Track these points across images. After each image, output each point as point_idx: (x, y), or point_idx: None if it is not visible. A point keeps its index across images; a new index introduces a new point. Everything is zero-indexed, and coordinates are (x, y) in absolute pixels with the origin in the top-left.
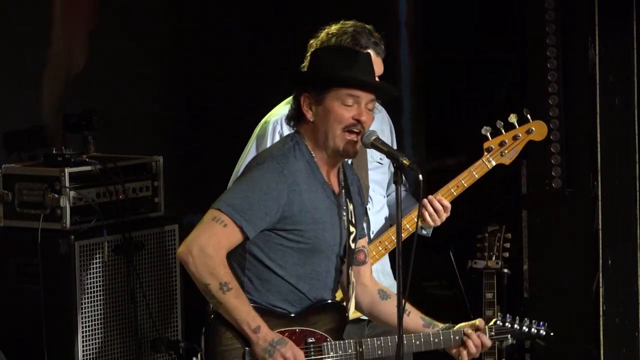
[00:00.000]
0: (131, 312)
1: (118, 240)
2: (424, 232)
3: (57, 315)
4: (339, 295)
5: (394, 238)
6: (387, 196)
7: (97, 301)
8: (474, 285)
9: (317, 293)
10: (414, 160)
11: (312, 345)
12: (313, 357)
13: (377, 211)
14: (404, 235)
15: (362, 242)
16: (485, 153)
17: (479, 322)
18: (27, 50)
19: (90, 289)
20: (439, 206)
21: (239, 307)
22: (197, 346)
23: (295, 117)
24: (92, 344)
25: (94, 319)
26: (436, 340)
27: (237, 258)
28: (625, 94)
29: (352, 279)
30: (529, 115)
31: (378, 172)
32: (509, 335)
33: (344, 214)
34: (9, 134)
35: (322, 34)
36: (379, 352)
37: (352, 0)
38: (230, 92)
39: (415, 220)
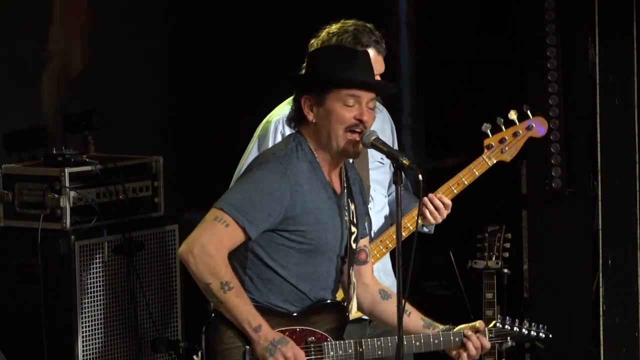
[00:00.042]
0: (131, 312)
1: (118, 240)
2: (425, 229)
3: (57, 315)
4: (339, 295)
5: (395, 237)
6: (388, 196)
7: (97, 301)
8: (474, 285)
9: (317, 293)
10: (414, 160)
11: (312, 345)
12: (313, 357)
13: (379, 211)
14: (405, 234)
15: (364, 241)
16: (486, 150)
17: (479, 324)
18: (27, 50)
19: (90, 289)
20: (439, 204)
21: (240, 306)
22: (197, 346)
23: (296, 119)
24: (92, 344)
25: (94, 319)
26: (436, 341)
27: (238, 257)
28: (625, 94)
29: (353, 279)
30: (529, 112)
31: (379, 171)
32: (509, 338)
33: (346, 214)
34: (9, 134)
35: (323, 33)
36: (379, 352)
37: (352, 0)
38: (230, 92)
39: (415, 218)
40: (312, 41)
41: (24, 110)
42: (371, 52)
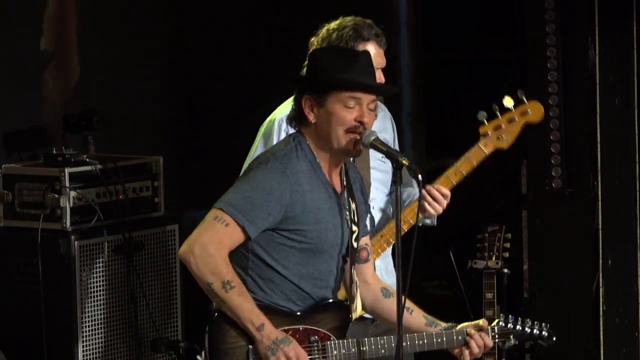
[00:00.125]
0: (131, 312)
1: (118, 240)
2: (427, 221)
3: (57, 315)
4: (341, 294)
5: (395, 231)
6: (390, 194)
7: (97, 301)
8: (474, 285)
9: (319, 292)
10: (414, 160)
11: (315, 344)
12: (316, 356)
13: (380, 209)
14: (405, 228)
15: (365, 240)
16: (482, 138)
17: (482, 322)
18: (27, 50)
19: (90, 289)
20: (437, 194)
21: (243, 305)
22: (197, 346)
23: (296, 119)
24: (92, 344)
25: (94, 319)
26: (439, 340)
27: (239, 258)
28: (625, 94)
29: (355, 277)
30: (524, 97)
31: (381, 169)
32: (512, 336)
33: (347, 213)
34: (9, 134)
35: (323, 31)
36: (382, 351)
37: (352, 0)
38: (230, 92)
39: (415, 211)
40: (312, 39)
41: (24, 110)
42: (372, 45)
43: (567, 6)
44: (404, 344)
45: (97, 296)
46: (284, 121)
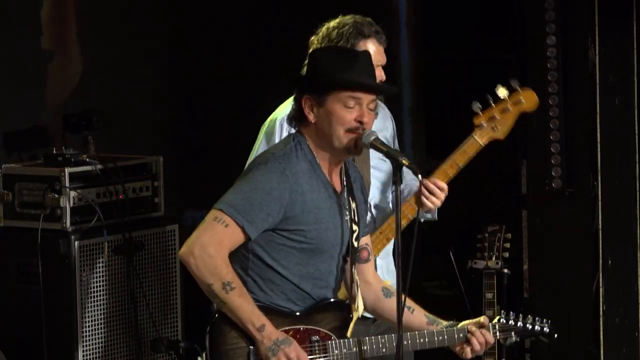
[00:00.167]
0: (131, 312)
1: (118, 240)
2: (428, 215)
3: (57, 315)
4: (341, 293)
5: (394, 227)
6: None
7: (97, 301)
8: (474, 285)
9: (320, 292)
10: (414, 160)
11: (316, 344)
12: (317, 356)
13: (378, 206)
14: (404, 223)
15: (365, 240)
16: (476, 130)
17: (483, 319)
18: (27, 50)
19: (90, 289)
20: (434, 188)
21: (243, 305)
22: (197, 346)
23: (296, 118)
24: (92, 344)
25: (94, 319)
26: (440, 338)
27: (239, 258)
28: (625, 94)
29: (356, 277)
30: (517, 86)
31: (381, 167)
32: (513, 333)
33: (347, 212)
34: (9, 134)
35: (322, 30)
36: (383, 350)
37: (352, 0)
38: (230, 92)
39: (414, 206)
40: (312, 38)
41: (24, 110)
42: (372, 42)
43: (567, 6)
44: (405, 342)
45: (97, 296)
46: (286, 120)
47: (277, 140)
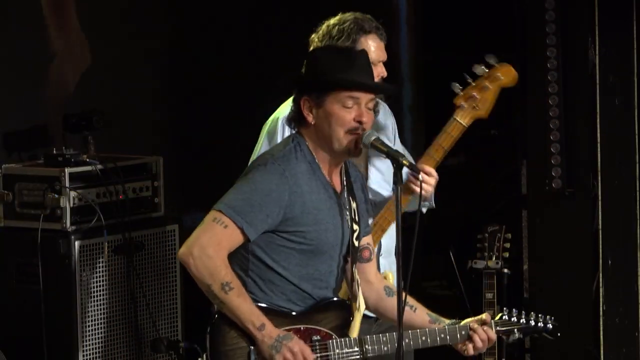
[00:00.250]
0: (131, 312)
1: (118, 240)
2: (425, 203)
3: (57, 315)
4: (342, 293)
5: (387, 217)
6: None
7: (97, 301)
8: (474, 285)
9: (320, 293)
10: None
11: (317, 343)
12: (318, 355)
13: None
14: (389, 220)
15: (367, 239)
16: (457, 110)
17: (485, 316)
18: (27, 50)
19: (90, 289)
20: (421, 174)
21: (242, 306)
22: (197, 346)
23: (296, 120)
24: (92, 344)
25: (94, 319)
26: (442, 335)
27: (240, 259)
28: (625, 94)
29: (357, 276)
30: (494, 62)
31: (380, 159)
32: (516, 330)
33: (347, 212)
34: (9, 134)
35: (323, 27)
36: (385, 348)
37: (351, 0)
38: (230, 92)
39: (406, 197)
40: (312, 36)
41: (24, 110)
42: (373, 38)
43: (567, 6)
44: (407, 340)
45: (97, 296)
46: (285, 122)
47: (279, 139)
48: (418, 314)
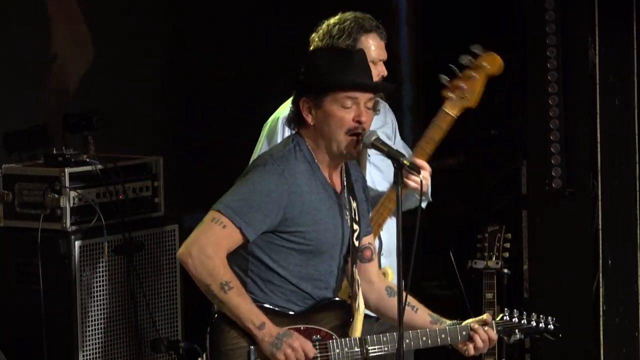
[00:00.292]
0: (131, 312)
1: (118, 240)
2: (423, 199)
3: (57, 315)
4: (342, 293)
5: (382, 212)
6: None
7: (97, 301)
8: (474, 285)
9: (320, 293)
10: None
11: (317, 343)
12: (319, 355)
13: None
14: (391, 207)
15: (368, 239)
16: (446, 102)
17: (486, 316)
18: (27, 50)
19: (90, 289)
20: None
21: (242, 305)
22: (197, 346)
23: (295, 120)
24: (92, 344)
25: (94, 319)
26: (443, 336)
27: (239, 259)
28: (625, 94)
29: (357, 276)
30: (480, 51)
31: (379, 157)
32: (517, 330)
33: (347, 212)
34: (9, 134)
35: (323, 26)
36: (385, 348)
37: (351, 1)
38: (230, 92)
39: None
40: (312, 35)
41: (24, 110)
42: (374, 37)
43: (567, 6)
44: (407, 340)
45: (97, 296)
46: (285, 122)
47: (279, 139)
48: (419, 314)
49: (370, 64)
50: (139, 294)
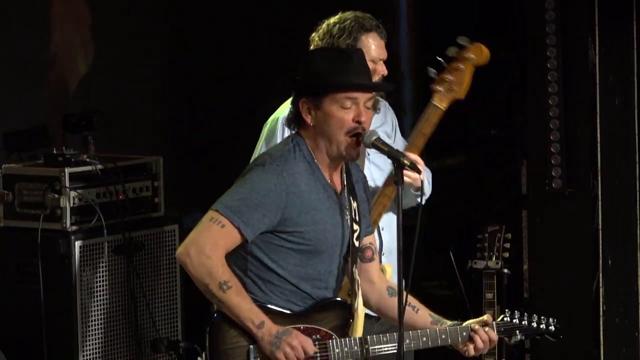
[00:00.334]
0: (131, 312)
1: (118, 240)
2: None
3: (57, 315)
4: (342, 293)
5: (378, 209)
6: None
7: (97, 301)
8: (474, 285)
9: (319, 293)
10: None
11: (317, 343)
12: (318, 354)
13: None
14: (386, 202)
15: (369, 239)
16: (434, 95)
17: (487, 317)
18: (27, 50)
19: (90, 289)
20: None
21: (241, 304)
22: (197, 346)
23: (295, 121)
24: (92, 344)
25: (94, 319)
26: (443, 336)
27: (238, 259)
28: (625, 94)
29: (357, 276)
30: (466, 43)
31: (379, 155)
32: (518, 331)
33: (347, 212)
34: (9, 134)
35: (323, 26)
36: (385, 348)
37: (352, 0)
38: (230, 92)
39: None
40: (312, 35)
41: (24, 110)
42: (374, 36)
43: (567, 6)
44: (407, 341)
45: (97, 296)
46: (284, 123)
47: (278, 139)
48: (420, 314)
49: (371, 63)
50: (139, 294)
